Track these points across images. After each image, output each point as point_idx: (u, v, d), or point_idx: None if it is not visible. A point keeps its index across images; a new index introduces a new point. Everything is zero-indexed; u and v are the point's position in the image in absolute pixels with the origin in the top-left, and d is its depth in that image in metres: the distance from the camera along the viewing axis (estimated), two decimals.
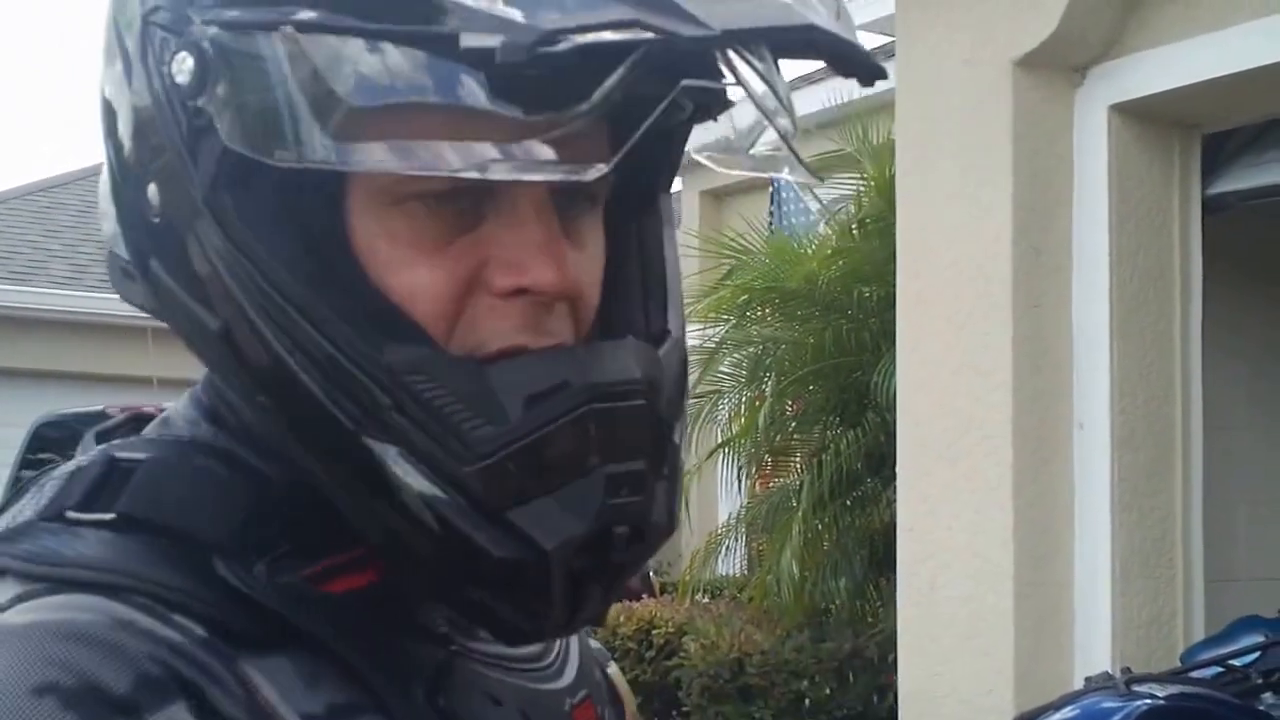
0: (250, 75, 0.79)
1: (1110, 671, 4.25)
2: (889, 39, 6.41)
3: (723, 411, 8.91)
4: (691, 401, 8.63)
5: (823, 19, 0.77)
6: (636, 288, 0.97)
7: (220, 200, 0.83)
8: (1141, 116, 5.16)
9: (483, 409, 0.82)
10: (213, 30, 0.81)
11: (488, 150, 0.79)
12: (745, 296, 8.53)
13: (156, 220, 0.87)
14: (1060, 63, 5.14)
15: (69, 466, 0.91)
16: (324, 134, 0.78)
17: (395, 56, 0.76)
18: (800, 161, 0.87)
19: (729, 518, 9.41)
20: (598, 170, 0.80)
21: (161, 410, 0.99)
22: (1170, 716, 3.88)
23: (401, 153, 0.79)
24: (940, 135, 5.32)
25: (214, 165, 0.82)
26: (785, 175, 0.91)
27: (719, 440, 8.93)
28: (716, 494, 10.53)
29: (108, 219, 0.94)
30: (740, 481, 9.14)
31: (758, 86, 0.81)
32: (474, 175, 0.78)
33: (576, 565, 0.84)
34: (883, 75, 0.83)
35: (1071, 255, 5.18)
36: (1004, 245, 5.10)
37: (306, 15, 0.77)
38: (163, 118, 0.85)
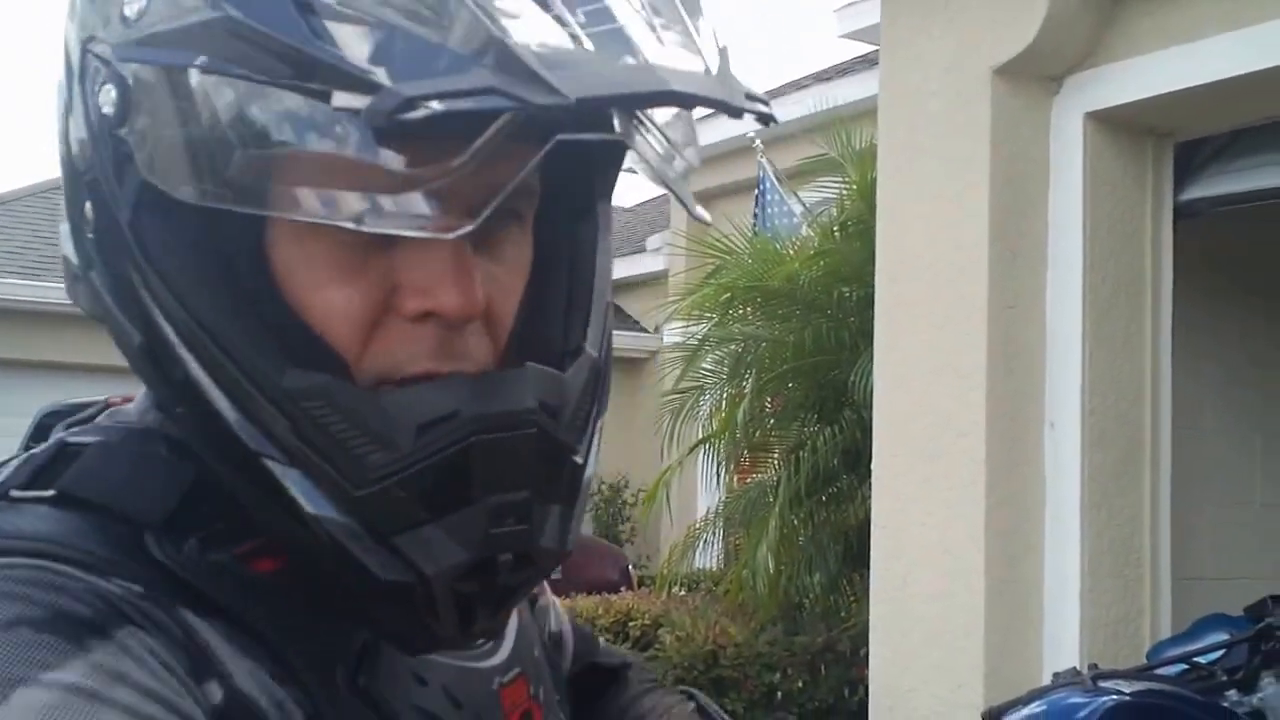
0: (161, 112, 0.82)
1: (1078, 668, 4.26)
2: (874, 47, 6.46)
3: (704, 407, 8.94)
4: (674, 397, 8.80)
5: (686, 78, 0.78)
6: (561, 299, 0.98)
7: (140, 225, 0.86)
8: (1115, 124, 5.23)
9: (375, 436, 0.84)
10: (133, 65, 0.84)
11: (366, 201, 0.80)
12: (728, 295, 8.58)
13: (92, 236, 0.90)
14: (1038, 72, 5.20)
15: (27, 453, 0.95)
16: (223, 174, 0.80)
17: (288, 104, 0.78)
18: (683, 203, 0.86)
19: (707, 512, 9.43)
20: (463, 230, 0.81)
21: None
22: (1136, 713, 3.90)
23: (288, 199, 0.81)
24: (921, 141, 5.37)
25: (134, 193, 0.85)
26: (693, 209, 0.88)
27: (699, 436, 8.96)
28: (696, 488, 10.56)
29: (63, 222, 0.96)
30: (719, 476, 9.16)
31: (650, 138, 0.82)
32: (349, 226, 0.80)
33: (463, 588, 0.87)
34: (764, 116, 0.84)
35: (1046, 259, 5.24)
36: (981, 248, 5.15)
37: (206, 60, 0.79)
38: (94, 142, 0.88)
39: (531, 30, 0.76)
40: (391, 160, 0.78)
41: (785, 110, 10.58)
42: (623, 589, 9.59)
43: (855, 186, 7.88)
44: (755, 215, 10.13)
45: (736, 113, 0.81)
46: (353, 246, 0.86)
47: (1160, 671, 4.28)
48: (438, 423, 0.85)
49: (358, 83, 0.75)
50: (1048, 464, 5.23)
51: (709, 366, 9.00)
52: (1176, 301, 5.43)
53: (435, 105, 0.73)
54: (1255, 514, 6.82)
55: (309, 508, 0.85)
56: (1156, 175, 5.36)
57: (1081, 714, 3.88)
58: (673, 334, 9.67)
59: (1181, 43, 4.86)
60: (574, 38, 0.77)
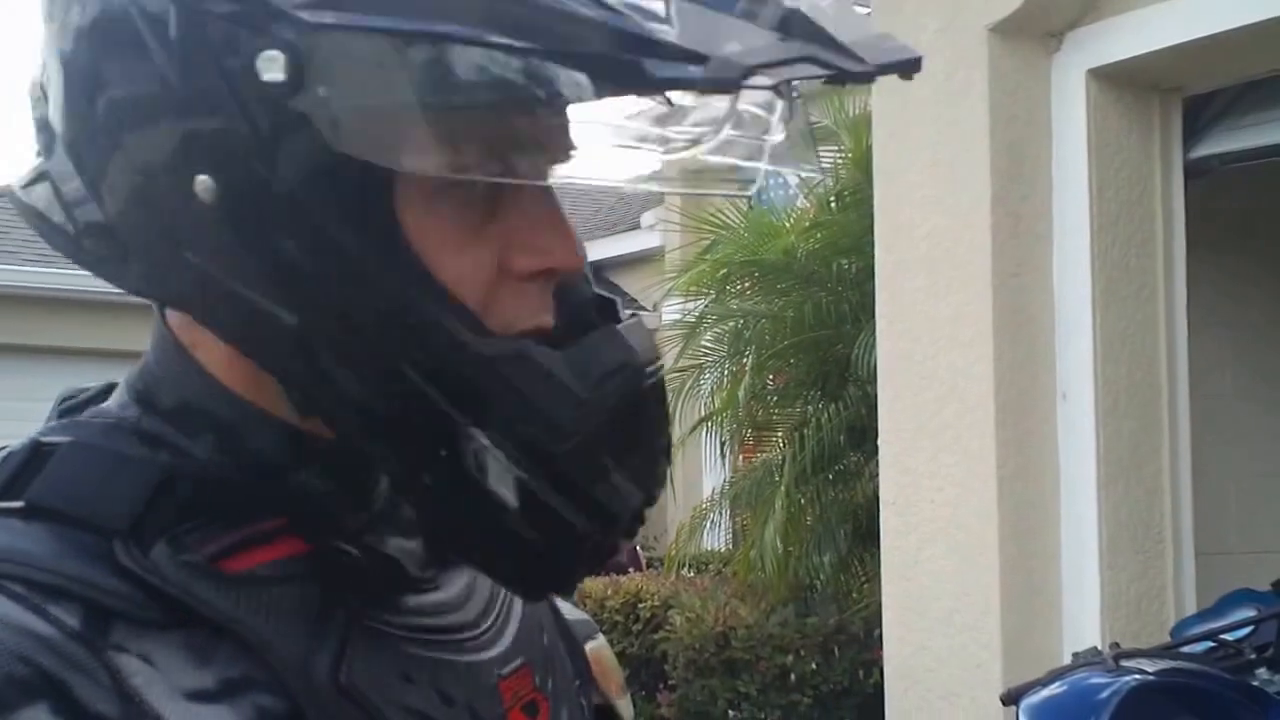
0: (382, 82, 0.79)
1: (1099, 647, 4.24)
2: (865, 10, 6.40)
3: (705, 386, 9.01)
4: (673, 375, 8.78)
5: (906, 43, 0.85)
6: None
7: (308, 200, 0.83)
8: (1120, 81, 5.13)
9: (566, 392, 0.87)
10: (322, 29, 0.79)
11: (657, 163, 0.89)
12: (725, 271, 8.66)
13: (216, 213, 0.84)
14: (1036, 29, 5.11)
15: (5, 452, 0.94)
16: (480, 147, 0.84)
17: (547, 72, 0.77)
18: (808, 140, 0.95)
19: (713, 492, 9.52)
20: (757, 183, 0.92)
21: None
22: (1160, 693, 3.87)
23: (583, 166, 0.90)
24: (916, 105, 5.27)
25: (302, 165, 0.82)
26: (797, 171, 1.00)
27: (701, 415, 9.03)
28: (701, 468, 10.62)
29: (57, 200, 0.93)
30: (724, 456, 9.22)
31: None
32: (675, 190, 0.93)
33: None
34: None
35: (1051, 223, 5.16)
36: (982, 215, 5.08)
37: (459, 29, 0.76)
38: (228, 112, 0.82)
39: None
40: (666, 120, 0.86)
41: None
42: (631, 570, 9.67)
43: (851, 155, 7.94)
44: None
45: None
46: (475, 208, 0.88)
47: (1185, 650, 4.26)
48: (616, 373, 0.90)
49: (674, 50, 0.75)
50: (1061, 436, 5.14)
51: (709, 343, 9.08)
52: (1187, 263, 5.35)
53: (775, 75, 0.77)
54: None
55: (508, 471, 0.87)
56: (1165, 133, 5.26)
57: (1103, 695, 3.84)
58: (671, 311, 9.78)
59: None
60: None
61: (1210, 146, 5.45)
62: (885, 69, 0.81)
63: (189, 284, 0.88)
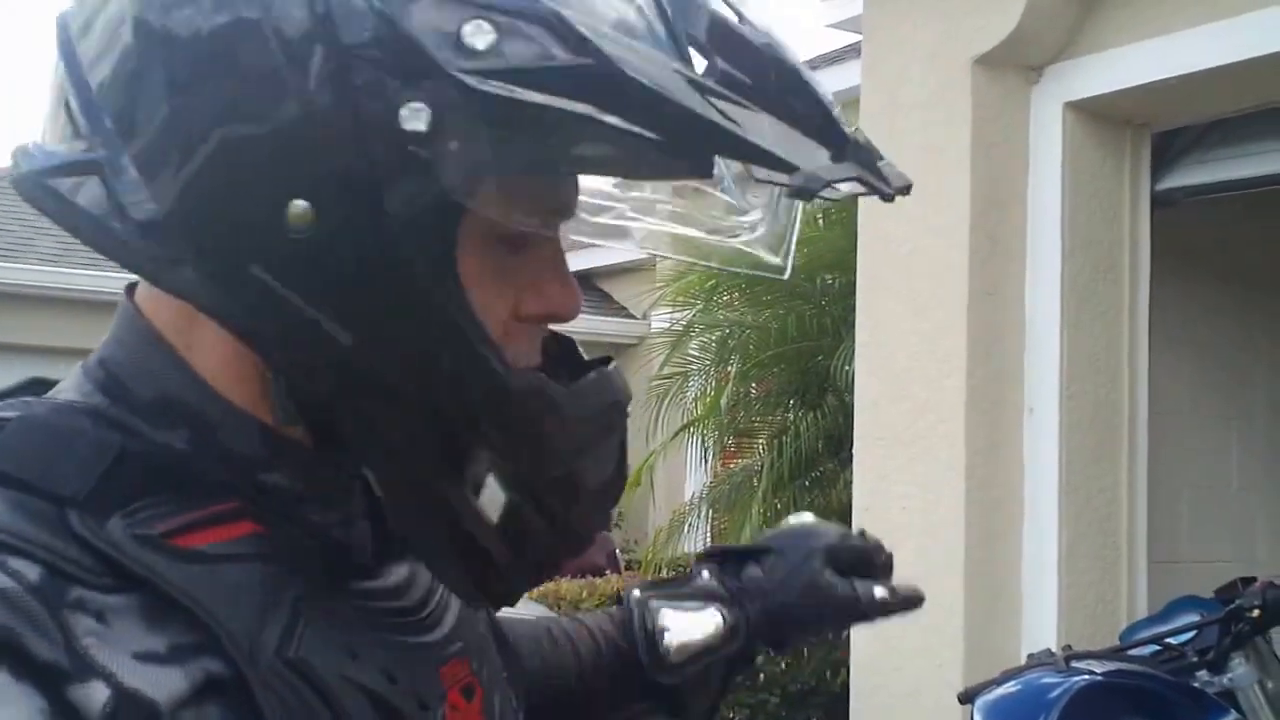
0: (512, 144, 0.83)
1: (1052, 649, 4.31)
2: (857, 37, 6.48)
3: (689, 393, 9.01)
4: (660, 382, 8.82)
5: None
6: None
7: (408, 238, 0.85)
8: (1094, 114, 5.24)
9: (568, 425, 0.94)
10: (470, 91, 0.82)
11: (727, 233, 1.04)
12: (713, 281, 8.62)
13: (297, 235, 0.85)
14: (1018, 62, 5.22)
15: None
16: (545, 204, 0.93)
17: (652, 155, 0.84)
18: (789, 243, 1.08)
19: (693, 496, 9.47)
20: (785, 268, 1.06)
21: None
22: (1107, 692, 3.97)
23: (651, 238, 1.06)
24: (902, 129, 5.36)
25: (406, 207, 0.84)
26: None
27: (685, 420, 9.03)
28: (684, 473, 10.59)
29: (107, 194, 0.89)
30: (705, 461, 9.18)
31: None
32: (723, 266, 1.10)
33: None
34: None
35: (1025, 246, 5.25)
36: (961, 235, 5.16)
37: (593, 109, 0.82)
38: (349, 148, 0.84)
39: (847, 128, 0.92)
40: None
41: None
42: (609, 573, 9.58)
43: None
44: None
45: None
46: (508, 255, 0.93)
47: (1133, 652, 4.31)
48: (606, 410, 0.98)
49: (775, 161, 0.86)
50: (1026, 448, 5.24)
51: (695, 351, 9.07)
52: (1151, 288, 5.45)
53: (842, 188, 0.90)
54: (1231, 498, 6.84)
55: (508, 494, 0.94)
56: (1134, 165, 5.38)
57: (1054, 694, 3.93)
58: (660, 319, 9.70)
59: (1159, 35, 4.89)
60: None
61: (1175, 179, 5.54)
62: (901, 190, 0.92)
63: (248, 295, 0.88)
